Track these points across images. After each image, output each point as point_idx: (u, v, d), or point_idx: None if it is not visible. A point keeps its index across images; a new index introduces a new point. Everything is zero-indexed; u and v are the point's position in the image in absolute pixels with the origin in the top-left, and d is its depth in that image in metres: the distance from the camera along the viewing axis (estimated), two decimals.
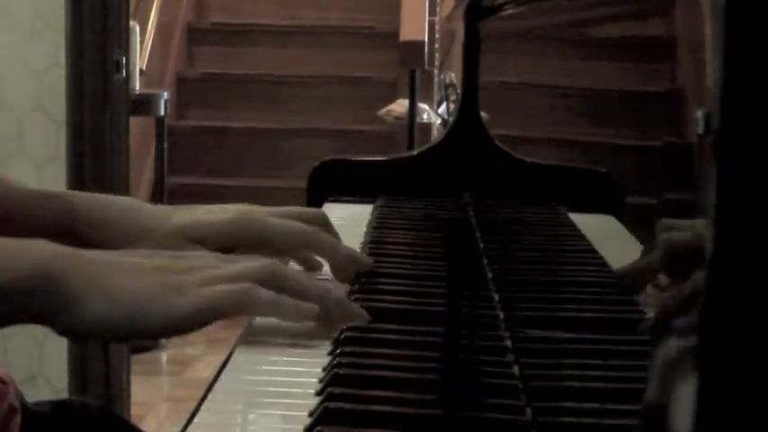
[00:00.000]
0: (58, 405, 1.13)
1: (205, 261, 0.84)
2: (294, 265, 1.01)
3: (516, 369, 0.73)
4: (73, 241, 0.87)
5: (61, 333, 0.79)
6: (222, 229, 0.97)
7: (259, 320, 0.88)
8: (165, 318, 0.78)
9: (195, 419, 0.67)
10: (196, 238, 0.97)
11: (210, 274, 0.81)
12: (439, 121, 3.86)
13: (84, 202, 1.01)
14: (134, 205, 1.02)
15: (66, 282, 0.77)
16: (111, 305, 0.77)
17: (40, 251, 0.78)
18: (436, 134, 3.86)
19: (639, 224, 0.83)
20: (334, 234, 1.01)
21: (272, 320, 0.85)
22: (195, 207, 1.03)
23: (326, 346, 0.79)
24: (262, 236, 0.97)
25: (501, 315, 0.85)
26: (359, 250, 1.06)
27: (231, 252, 0.95)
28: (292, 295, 0.81)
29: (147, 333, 0.80)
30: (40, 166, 2.49)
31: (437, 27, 4.21)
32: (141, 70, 4.23)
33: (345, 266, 0.98)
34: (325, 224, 1.01)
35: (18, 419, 1.04)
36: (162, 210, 1.02)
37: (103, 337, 0.80)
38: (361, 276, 0.97)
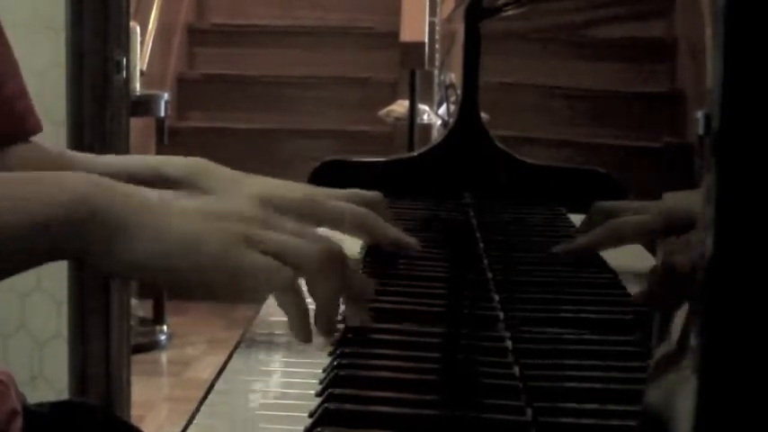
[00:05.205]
0: (58, 406, 1.14)
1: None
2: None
3: (516, 369, 0.73)
4: None
5: (98, 268, 0.75)
6: (291, 205, 1.00)
7: (260, 320, 0.88)
8: (216, 263, 0.74)
9: (195, 420, 0.67)
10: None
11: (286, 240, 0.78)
12: (439, 121, 3.86)
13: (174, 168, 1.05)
14: (209, 166, 1.06)
15: (107, 215, 0.73)
16: (154, 240, 0.73)
17: (78, 184, 0.74)
18: (436, 135, 3.86)
19: None
20: (386, 217, 1.05)
21: (271, 320, 0.85)
22: (265, 178, 1.07)
23: (326, 347, 0.79)
24: (319, 216, 1.02)
25: (501, 315, 0.85)
26: (359, 251, 1.06)
27: None
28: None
29: (186, 277, 0.75)
30: None
31: (437, 28, 4.21)
32: (142, 71, 4.23)
33: (391, 248, 1.03)
34: (379, 207, 1.05)
35: (20, 422, 1.04)
36: (232, 174, 1.05)
37: (144, 277, 0.77)
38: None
